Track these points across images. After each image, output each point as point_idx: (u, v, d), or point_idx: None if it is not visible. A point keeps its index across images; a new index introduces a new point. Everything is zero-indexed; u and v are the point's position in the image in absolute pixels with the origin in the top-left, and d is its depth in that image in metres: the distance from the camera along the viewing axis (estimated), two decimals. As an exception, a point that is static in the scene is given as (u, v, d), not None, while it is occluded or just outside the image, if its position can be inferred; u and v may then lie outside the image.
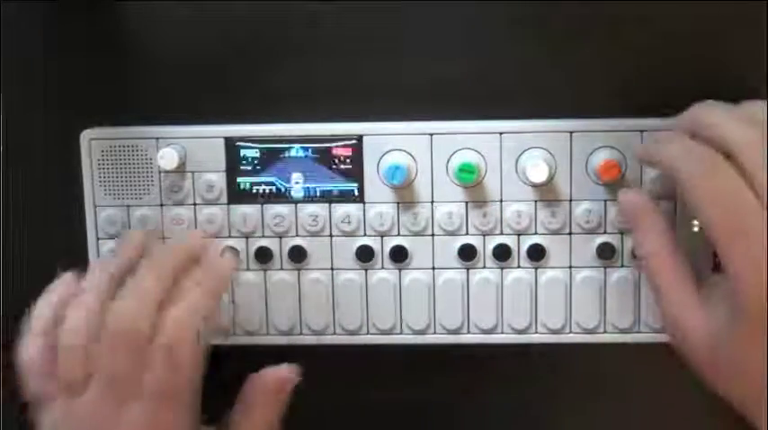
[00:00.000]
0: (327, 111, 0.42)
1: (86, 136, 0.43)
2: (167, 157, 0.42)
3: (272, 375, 0.41)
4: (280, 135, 0.42)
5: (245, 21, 0.42)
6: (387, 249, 0.43)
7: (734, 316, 0.33)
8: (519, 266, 0.43)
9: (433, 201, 0.42)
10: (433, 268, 0.43)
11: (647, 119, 0.41)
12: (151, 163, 0.43)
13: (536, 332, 0.43)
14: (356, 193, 0.43)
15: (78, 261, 0.44)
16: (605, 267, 0.42)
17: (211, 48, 0.43)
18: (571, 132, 0.41)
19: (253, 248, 0.43)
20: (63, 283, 0.40)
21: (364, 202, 0.43)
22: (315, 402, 0.46)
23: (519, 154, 0.42)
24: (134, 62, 0.43)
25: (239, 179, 0.43)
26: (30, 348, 0.39)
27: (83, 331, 0.37)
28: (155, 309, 0.37)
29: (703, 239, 0.35)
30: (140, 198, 0.43)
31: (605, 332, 0.43)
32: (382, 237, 0.43)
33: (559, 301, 0.43)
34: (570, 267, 0.43)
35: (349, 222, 0.43)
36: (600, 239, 0.42)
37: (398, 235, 0.43)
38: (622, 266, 0.42)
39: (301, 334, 0.44)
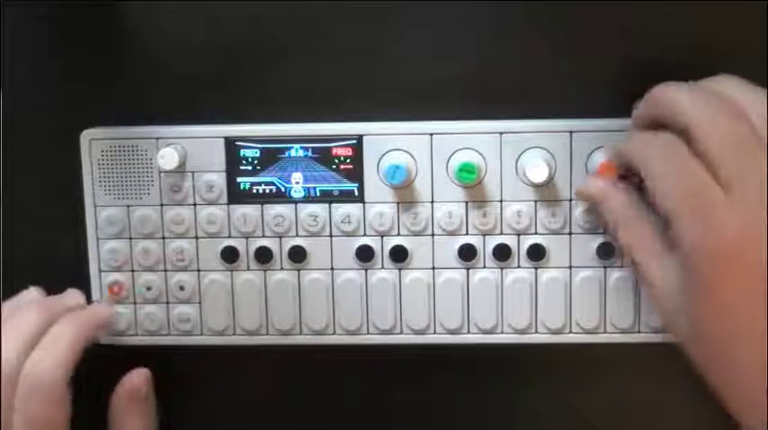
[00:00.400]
0: (327, 111, 0.42)
1: (86, 136, 0.43)
2: (167, 157, 0.42)
3: (124, 385, 0.43)
4: (280, 135, 0.42)
5: (246, 21, 0.42)
6: (387, 249, 0.43)
7: (688, 287, 0.34)
8: (519, 266, 0.43)
9: (433, 201, 0.42)
10: (433, 268, 0.43)
11: (647, 119, 0.41)
12: (151, 163, 0.43)
13: (536, 332, 0.43)
14: (356, 193, 0.43)
15: (78, 261, 0.44)
16: (605, 267, 0.42)
17: (211, 48, 0.43)
18: (571, 132, 0.41)
19: (253, 248, 0.43)
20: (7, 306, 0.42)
21: (364, 202, 0.43)
22: (315, 402, 0.46)
23: (519, 154, 0.42)
24: (134, 62, 0.43)
25: (239, 179, 0.43)
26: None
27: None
28: (26, 342, 0.38)
29: None
30: (140, 198, 0.43)
31: (605, 332, 0.43)
32: (382, 237, 0.43)
33: (559, 301, 0.43)
34: (570, 267, 0.43)
35: (349, 222, 0.43)
36: (600, 239, 0.42)
37: (398, 235, 0.43)
38: (622, 266, 0.42)
39: (301, 334, 0.44)
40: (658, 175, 0.35)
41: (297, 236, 0.43)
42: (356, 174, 0.42)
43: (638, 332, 0.43)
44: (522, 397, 0.45)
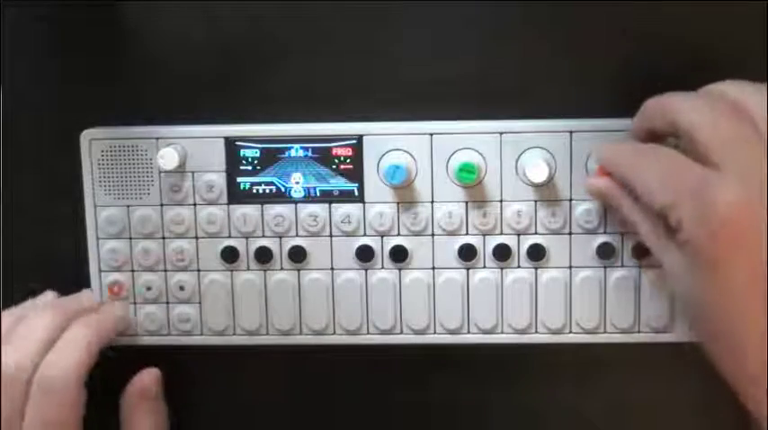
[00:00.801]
0: (327, 111, 0.42)
1: (86, 136, 0.43)
2: (167, 157, 0.42)
3: (135, 384, 0.43)
4: (280, 135, 0.42)
5: (246, 21, 0.42)
6: (387, 249, 0.43)
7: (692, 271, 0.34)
8: (519, 266, 0.43)
9: (433, 201, 0.42)
10: (433, 268, 0.43)
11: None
12: (151, 163, 0.43)
13: (536, 332, 0.43)
14: (356, 193, 0.43)
15: (78, 261, 0.44)
16: (605, 267, 0.42)
17: (211, 48, 0.43)
18: (571, 132, 0.41)
19: (253, 248, 0.43)
20: (20, 309, 0.42)
21: (364, 202, 0.43)
22: (315, 402, 0.46)
23: (519, 154, 0.42)
24: (134, 62, 0.43)
25: (239, 179, 0.43)
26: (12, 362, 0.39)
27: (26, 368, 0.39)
28: (39, 352, 0.39)
29: None
30: (140, 198, 0.43)
31: (605, 332, 0.43)
32: (382, 237, 0.43)
33: (559, 301, 0.43)
34: (570, 267, 0.43)
35: (349, 222, 0.43)
36: (600, 239, 0.42)
37: (398, 235, 0.43)
38: (622, 266, 0.42)
39: (301, 334, 0.44)
40: (647, 173, 0.35)
41: (297, 236, 0.43)
42: (356, 174, 0.42)
43: (638, 332, 0.43)
44: (522, 397, 0.45)
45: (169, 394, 0.44)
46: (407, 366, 0.45)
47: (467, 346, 0.44)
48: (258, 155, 0.42)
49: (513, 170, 0.42)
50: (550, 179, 0.41)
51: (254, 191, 0.43)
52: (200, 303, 0.44)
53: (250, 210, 0.43)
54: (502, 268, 0.43)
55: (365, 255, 0.43)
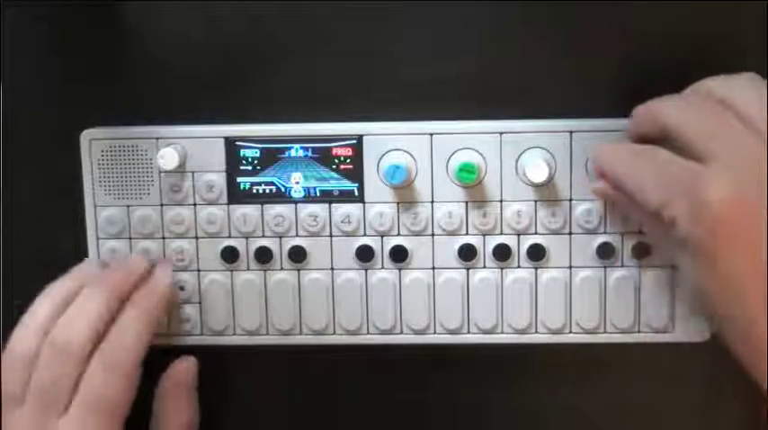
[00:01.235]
0: (327, 111, 0.42)
1: (86, 136, 0.43)
2: (167, 157, 0.42)
3: (170, 371, 0.44)
4: (280, 135, 0.42)
5: (246, 21, 0.42)
6: (387, 249, 0.43)
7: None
8: (519, 266, 0.43)
9: (433, 201, 0.42)
10: (433, 268, 0.43)
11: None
12: (151, 163, 0.43)
13: (536, 332, 0.43)
14: (356, 193, 0.43)
15: (78, 261, 0.44)
16: (605, 267, 0.42)
17: (211, 48, 0.43)
18: (571, 132, 0.41)
19: (253, 248, 0.43)
20: (68, 281, 0.42)
21: (364, 202, 0.43)
22: (315, 402, 0.46)
23: (519, 154, 0.42)
24: (134, 62, 0.43)
25: (239, 179, 0.43)
26: (16, 345, 0.40)
27: (25, 346, 0.39)
28: (96, 324, 0.39)
29: None
30: (140, 198, 0.43)
31: (605, 332, 0.43)
32: (382, 237, 0.43)
33: (559, 301, 0.43)
34: (570, 267, 0.43)
35: (349, 222, 0.43)
36: (600, 239, 0.42)
37: (398, 235, 0.43)
38: (622, 266, 0.42)
39: (301, 334, 0.44)
40: (640, 174, 0.36)
41: (297, 236, 0.43)
42: (356, 174, 0.42)
43: (638, 332, 0.43)
44: (522, 397, 0.45)
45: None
46: (407, 366, 0.45)
47: (467, 346, 0.44)
48: (258, 155, 0.42)
49: (513, 170, 0.42)
50: (550, 179, 0.41)
51: (254, 191, 0.43)
52: (200, 303, 0.44)
53: (250, 210, 0.43)
54: (502, 268, 0.43)
55: (365, 255, 0.43)
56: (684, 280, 0.36)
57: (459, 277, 0.43)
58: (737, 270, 0.32)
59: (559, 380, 0.45)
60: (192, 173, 0.43)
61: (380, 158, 0.42)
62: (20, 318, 0.40)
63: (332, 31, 0.42)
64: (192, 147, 0.43)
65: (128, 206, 0.43)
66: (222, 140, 0.43)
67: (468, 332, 0.43)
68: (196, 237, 0.43)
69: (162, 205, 0.43)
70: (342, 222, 0.43)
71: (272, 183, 0.43)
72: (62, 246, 0.44)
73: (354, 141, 0.42)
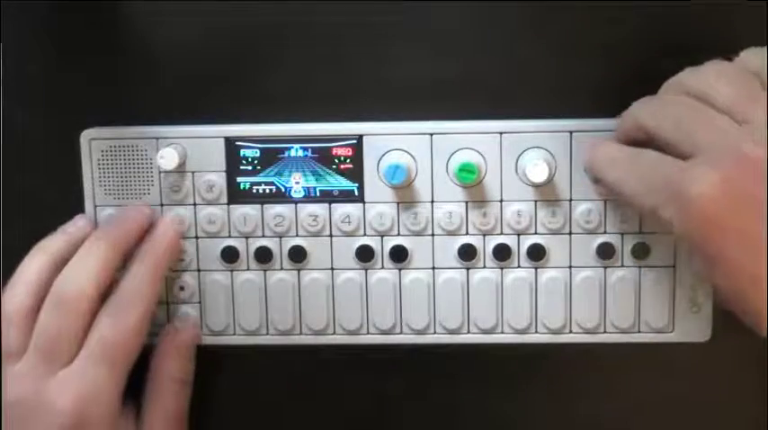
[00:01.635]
0: (327, 111, 0.42)
1: (86, 136, 0.43)
2: (167, 157, 0.42)
3: (173, 329, 0.44)
4: (280, 135, 0.42)
5: (246, 20, 0.42)
6: (387, 249, 0.43)
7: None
8: (519, 266, 0.43)
9: (433, 201, 0.42)
10: (433, 268, 0.43)
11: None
12: (151, 163, 0.43)
13: (536, 332, 0.43)
14: (356, 193, 0.43)
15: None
16: (605, 267, 0.42)
17: (211, 48, 0.43)
18: (571, 132, 0.41)
19: (253, 248, 0.43)
20: (60, 235, 0.42)
21: (364, 202, 0.43)
22: (314, 402, 0.46)
23: (519, 154, 0.42)
24: (134, 62, 0.43)
25: (239, 179, 0.43)
26: (13, 300, 0.40)
27: (20, 301, 0.39)
28: (99, 276, 0.40)
29: None
30: (140, 198, 0.43)
31: (605, 332, 0.43)
32: (382, 236, 0.43)
33: (559, 301, 0.43)
34: (570, 267, 0.43)
35: (349, 222, 0.43)
36: (600, 239, 0.42)
37: (398, 235, 0.43)
38: (622, 266, 0.42)
39: (301, 334, 0.44)
40: (631, 179, 0.36)
41: (297, 236, 0.43)
42: (356, 174, 0.42)
43: (638, 332, 0.43)
44: (522, 397, 0.45)
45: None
46: (407, 366, 0.45)
47: (467, 346, 0.44)
48: (258, 155, 0.42)
49: (513, 170, 0.42)
50: (550, 179, 0.41)
51: (254, 191, 0.43)
52: (200, 303, 0.44)
53: (250, 210, 0.43)
54: (502, 268, 0.43)
55: (365, 255, 0.43)
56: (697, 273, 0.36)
57: (459, 277, 0.43)
58: (738, 264, 0.32)
59: (559, 380, 0.45)
60: (192, 173, 0.43)
61: (380, 158, 0.42)
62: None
63: (332, 31, 0.42)
64: (192, 147, 0.43)
65: (128, 206, 0.43)
66: (222, 140, 0.43)
67: (468, 332, 0.43)
68: (196, 237, 0.43)
69: (162, 205, 0.43)
70: (342, 222, 0.43)
71: (272, 183, 0.43)
72: (62, 246, 0.44)
73: (354, 141, 0.42)
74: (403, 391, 0.45)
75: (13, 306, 0.39)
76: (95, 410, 0.38)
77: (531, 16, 0.42)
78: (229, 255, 0.43)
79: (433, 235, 0.43)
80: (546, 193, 0.42)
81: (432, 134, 0.42)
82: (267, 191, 0.43)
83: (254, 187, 0.43)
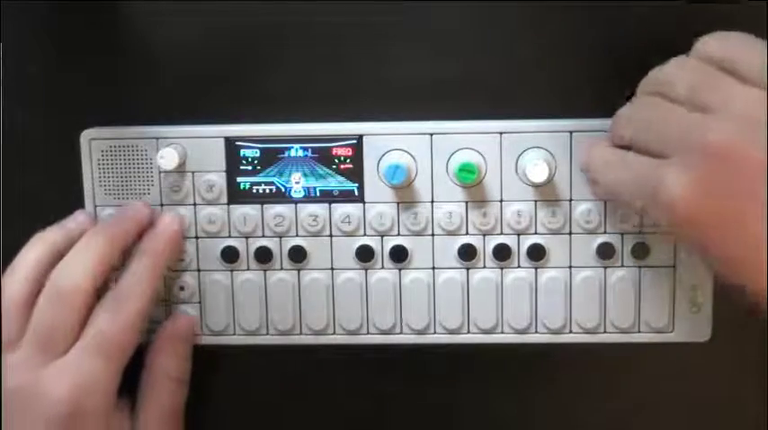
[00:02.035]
0: (327, 111, 0.42)
1: (86, 136, 0.43)
2: (167, 157, 0.42)
3: (170, 324, 0.43)
4: (280, 135, 0.42)
5: (246, 20, 0.42)
6: (387, 249, 0.43)
7: None
8: (519, 266, 0.43)
9: (433, 201, 0.42)
10: (433, 268, 0.43)
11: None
12: (151, 163, 0.43)
13: (536, 332, 0.43)
14: (356, 193, 0.43)
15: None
16: (605, 267, 0.42)
17: (211, 48, 0.43)
18: (571, 132, 0.41)
19: (253, 248, 0.43)
20: (59, 229, 0.42)
21: (364, 202, 0.43)
22: (314, 402, 0.46)
23: (519, 154, 0.42)
24: (134, 62, 0.43)
25: (239, 179, 0.43)
26: (10, 290, 0.40)
27: (17, 291, 0.40)
28: (96, 269, 0.40)
29: None
30: (140, 198, 0.43)
31: (605, 332, 0.43)
32: (382, 236, 0.43)
33: (559, 301, 0.43)
34: (570, 267, 0.43)
35: (349, 222, 0.43)
36: (600, 239, 0.42)
37: (398, 235, 0.43)
38: (622, 266, 0.42)
39: (301, 334, 0.44)
40: (619, 182, 0.36)
41: (297, 236, 0.43)
42: (356, 174, 0.42)
43: (638, 332, 0.43)
44: (522, 397, 0.45)
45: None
46: (408, 366, 0.45)
47: (467, 346, 0.44)
48: (258, 155, 0.42)
49: (513, 170, 0.42)
50: (550, 179, 0.41)
51: (254, 191, 0.43)
52: (200, 303, 0.44)
53: (250, 210, 0.43)
54: (502, 268, 0.43)
55: (365, 255, 0.43)
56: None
57: (459, 277, 0.43)
58: (731, 255, 0.32)
59: (559, 380, 0.45)
60: (192, 173, 0.43)
61: (380, 158, 0.42)
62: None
63: (332, 31, 0.42)
64: (192, 147, 0.43)
65: (128, 204, 0.43)
66: (222, 140, 0.43)
67: (468, 332, 0.43)
68: (196, 237, 0.43)
69: (162, 205, 0.43)
70: (342, 222, 0.43)
71: (272, 183, 0.43)
72: (62, 246, 0.44)
73: (354, 141, 0.42)
74: (403, 391, 0.45)
75: (10, 296, 0.40)
76: (90, 401, 0.38)
77: (531, 16, 0.42)
78: (229, 255, 0.43)
79: (433, 235, 0.43)
80: (546, 193, 0.42)
81: (432, 134, 0.42)
82: (267, 191, 0.43)
83: (254, 187, 0.43)
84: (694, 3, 0.41)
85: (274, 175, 0.43)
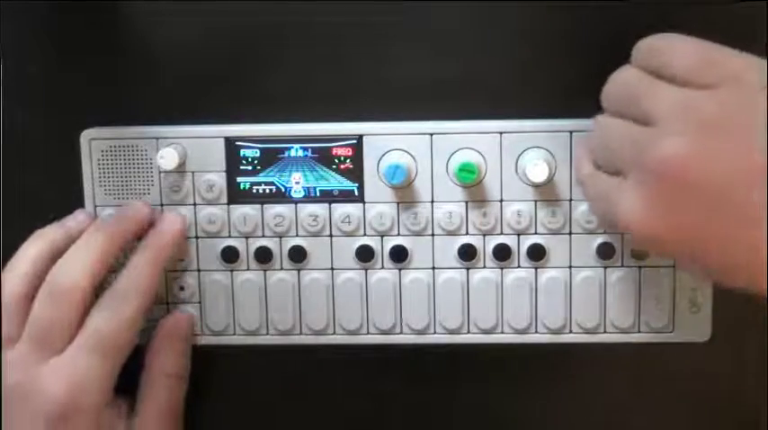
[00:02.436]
0: (327, 111, 0.42)
1: (86, 136, 0.43)
2: (167, 157, 0.42)
3: (167, 322, 0.43)
4: (280, 135, 0.42)
5: (246, 20, 0.42)
6: (387, 249, 0.43)
7: None
8: (519, 266, 0.43)
9: (433, 201, 0.42)
10: (433, 268, 0.43)
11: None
12: (151, 163, 0.43)
13: (536, 332, 0.43)
14: (356, 193, 0.43)
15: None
16: (605, 267, 0.42)
17: (211, 47, 0.43)
18: (571, 132, 0.41)
19: (253, 248, 0.43)
20: (59, 227, 0.42)
21: (364, 202, 0.43)
22: (314, 402, 0.46)
23: (519, 154, 0.42)
24: (134, 62, 0.43)
25: (239, 179, 0.43)
26: (9, 286, 0.40)
27: (16, 288, 0.40)
28: (94, 267, 0.40)
29: None
30: (140, 198, 0.43)
31: (605, 332, 0.43)
32: (382, 236, 0.43)
33: (559, 301, 0.43)
34: (570, 267, 0.43)
35: (349, 222, 0.43)
36: (600, 239, 0.42)
37: (398, 235, 0.43)
38: (622, 266, 0.42)
39: (301, 334, 0.44)
40: (592, 200, 0.38)
41: (297, 236, 0.43)
42: (356, 174, 0.42)
43: (638, 332, 0.43)
44: (523, 397, 0.45)
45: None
46: (407, 366, 0.45)
47: (467, 346, 0.44)
48: (258, 155, 0.42)
49: (513, 170, 0.42)
50: (550, 179, 0.41)
51: (254, 191, 0.43)
52: (200, 303, 0.44)
53: (250, 210, 0.43)
54: (502, 268, 0.43)
55: (365, 255, 0.43)
56: None
57: (459, 277, 0.43)
58: (678, 255, 0.33)
59: (559, 380, 0.45)
60: (192, 173, 0.43)
61: (380, 158, 0.42)
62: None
63: (332, 31, 0.42)
64: (192, 147, 0.43)
65: (127, 203, 0.43)
66: (222, 140, 0.43)
67: (468, 332, 0.43)
68: (196, 237, 0.43)
69: (162, 205, 0.43)
70: (342, 222, 0.43)
71: (272, 183, 0.43)
72: (62, 246, 0.44)
73: (354, 141, 0.42)
74: (402, 391, 0.45)
75: (10, 292, 0.40)
76: (86, 399, 0.39)
77: (531, 16, 0.42)
78: (229, 255, 0.43)
79: (433, 235, 0.43)
80: (546, 193, 0.42)
81: (432, 134, 0.42)
82: (267, 191, 0.43)
83: (254, 187, 0.43)
84: (695, 2, 0.41)
85: (274, 175, 0.43)
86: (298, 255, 0.43)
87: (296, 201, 0.43)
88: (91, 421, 0.39)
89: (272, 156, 0.42)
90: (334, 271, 0.43)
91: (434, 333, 0.44)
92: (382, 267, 0.43)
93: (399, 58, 0.42)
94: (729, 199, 0.30)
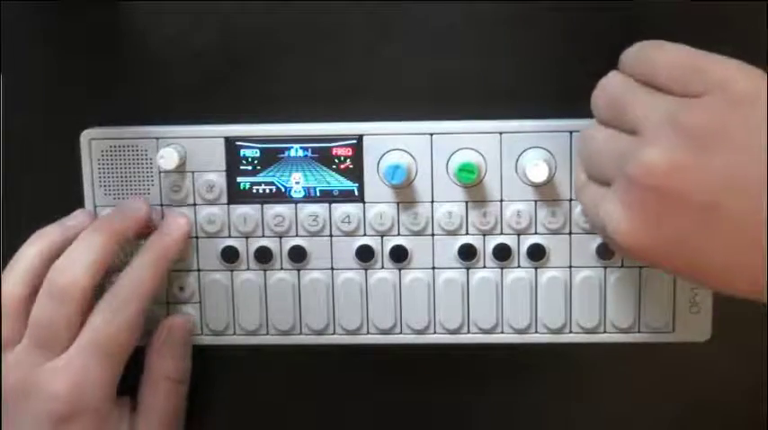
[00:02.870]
0: (327, 111, 0.42)
1: (86, 136, 0.43)
2: (167, 157, 0.42)
3: (167, 325, 0.43)
4: (280, 135, 0.42)
5: (246, 21, 0.42)
6: (387, 249, 0.43)
7: None
8: (519, 266, 0.43)
9: (433, 201, 0.42)
10: (433, 268, 0.43)
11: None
12: (151, 163, 0.43)
13: (536, 332, 0.43)
14: (356, 193, 0.43)
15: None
16: (605, 267, 0.42)
17: (212, 47, 0.43)
18: (571, 132, 0.41)
19: (253, 248, 0.43)
20: (59, 226, 0.42)
21: (364, 202, 0.43)
22: (314, 402, 0.46)
23: (519, 154, 0.42)
24: (134, 62, 0.43)
25: (239, 179, 0.43)
26: (9, 286, 0.40)
27: (16, 289, 0.40)
28: (94, 267, 0.39)
29: None
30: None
31: (605, 332, 0.43)
32: (382, 236, 0.43)
33: (559, 301, 0.43)
34: (570, 267, 0.43)
35: (349, 222, 0.43)
36: (600, 239, 0.42)
37: (398, 235, 0.43)
38: (622, 266, 0.42)
39: (301, 334, 0.44)
40: (586, 210, 0.37)
41: (297, 236, 0.43)
42: (356, 174, 0.42)
43: (638, 332, 0.43)
44: (523, 397, 0.45)
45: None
46: (407, 366, 0.45)
47: (467, 346, 0.44)
48: (258, 155, 0.42)
49: (513, 170, 0.42)
50: (550, 179, 0.41)
51: (254, 191, 0.43)
52: (200, 303, 0.44)
53: (250, 210, 0.43)
54: (502, 268, 0.43)
55: (365, 254, 0.43)
56: None
57: (459, 277, 0.43)
58: (692, 281, 0.34)
59: (559, 380, 0.45)
60: (192, 173, 0.43)
61: (380, 158, 0.42)
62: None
63: (332, 31, 0.42)
64: (192, 147, 0.43)
65: (126, 200, 0.43)
66: (222, 140, 0.43)
67: (468, 332, 0.43)
68: (196, 237, 0.43)
69: (162, 205, 0.43)
70: (342, 222, 0.43)
71: (272, 183, 0.43)
72: (62, 246, 0.44)
73: (354, 141, 0.42)
74: (402, 391, 0.45)
75: (10, 292, 0.40)
76: (88, 399, 0.39)
77: (531, 16, 0.42)
78: (229, 255, 0.43)
79: (433, 235, 0.43)
80: (546, 193, 0.42)
81: (432, 134, 0.42)
82: (267, 191, 0.43)
83: (254, 187, 0.43)
84: (695, 1, 0.41)
85: (274, 175, 0.43)
86: (298, 255, 0.43)
87: (296, 201, 0.43)
88: (94, 421, 0.39)
89: (272, 156, 0.42)
90: (334, 271, 0.43)
91: (434, 333, 0.44)
92: (382, 267, 0.43)
93: (399, 58, 0.42)
94: (718, 209, 0.30)
